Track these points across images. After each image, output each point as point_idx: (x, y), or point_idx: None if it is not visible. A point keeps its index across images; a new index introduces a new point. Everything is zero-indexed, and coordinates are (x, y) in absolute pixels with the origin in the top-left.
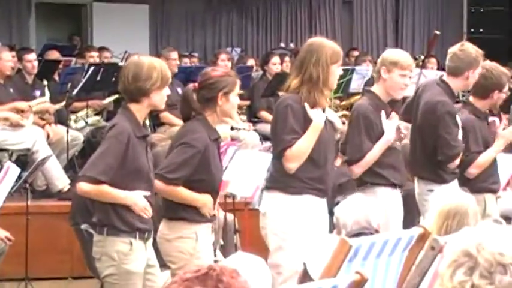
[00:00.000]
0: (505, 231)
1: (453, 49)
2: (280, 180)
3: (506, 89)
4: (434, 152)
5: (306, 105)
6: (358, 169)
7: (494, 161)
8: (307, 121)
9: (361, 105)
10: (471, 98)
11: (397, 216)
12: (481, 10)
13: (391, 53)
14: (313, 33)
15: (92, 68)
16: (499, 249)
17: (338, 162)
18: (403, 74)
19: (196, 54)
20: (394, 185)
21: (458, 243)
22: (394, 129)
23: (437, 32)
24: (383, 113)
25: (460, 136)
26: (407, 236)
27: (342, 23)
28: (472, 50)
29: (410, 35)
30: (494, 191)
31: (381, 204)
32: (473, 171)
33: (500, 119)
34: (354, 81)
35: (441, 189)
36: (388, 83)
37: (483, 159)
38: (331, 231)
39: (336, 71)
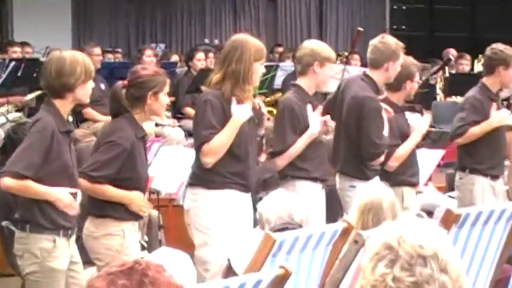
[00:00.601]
0: (425, 224)
1: (374, 41)
2: (201, 176)
3: (417, 78)
4: (358, 148)
5: (234, 100)
6: (281, 161)
7: (413, 154)
8: (227, 116)
9: (287, 99)
10: (385, 93)
11: (319, 210)
12: (403, 7)
13: (321, 47)
14: (237, 30)
15: (13, 63)
16: (419, 242)
17: (263, 158)
18: (331, 67)
19: (119, 50)
20: (315, 179)
21: (379, 237)
22: (319, 122)
23: (360, 29)
24: (309, 106)
25: (385, 132)
26: (331, 231)
27: (266, 20)
28: (392, 42)
29: (334, 32)
30: (412, 184)
31: (303, 198)
32: (392, 164)
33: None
34: (278, 78)
35: (363, 185)
36: (319, 76)
37: (401, 152)
38: (254, 226)
39: (259, 69)
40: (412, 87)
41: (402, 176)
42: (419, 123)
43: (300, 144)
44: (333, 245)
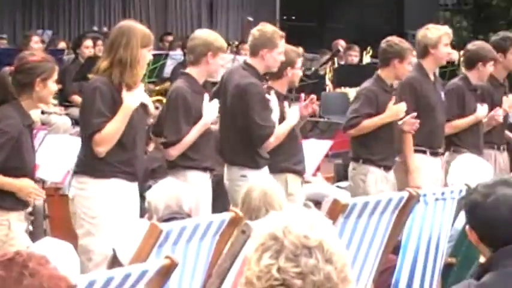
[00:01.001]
0: (311, 214)
1: (253, 30)
2: (87, 164)
3: (298, 64)
4: (246, 134)
5: (124, 86)
6: (174, 152)
7: (297, 143)
8: (117, 104)
9: (179, 88)
10: (270, 82)
11: (207, 200)
12: None
13: (214, 37)
14: (126, 17)
15: None
16: (304, 232)
17: (151, 147)
18: (223, 57)
19: (4, 36)
20: (205, 169)
21: (265, 227)
22: (213, 111)
23: (250, 19)
24: (206, 96)
25: (275, 117)
26: (219, 220)
27: (156, 8)
28: (269, 29)
29: (225, 21)
30: (296, 172)
31: (192, 188)
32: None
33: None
34: (167, 67)
35: (255, 175)
36: (212, 66)
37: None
38: (142, 215)
39: (147, 55)
40: (294, 74)
41: (286, 163)
42: (292, 111)
43: (193, 135)
44: (220, 235)
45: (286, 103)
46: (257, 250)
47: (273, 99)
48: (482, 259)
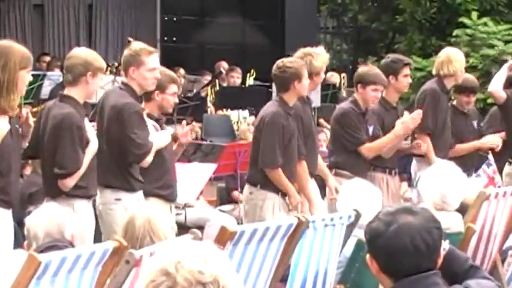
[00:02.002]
0: (205, 247)
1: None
2: None
3: (172, 89)
4: (122, 157)
5: None
6: (72, 182)
7: (166, 167)
8: None
9: (71, 114)
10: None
11: (91, 229)
12: (174, 18)
13: (93, 57)
14: (2, 37)
15: None
16: (198, 267)
17: (28, 170)
18: (102, 77)
19: None
20: (90, 197)
21: (156, 262)
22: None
23: (130, 39)
24: (86, 120)
25: (151, 136)
26: (101, 250)
27: (32, 27)
28: (137, 47)
29: (104, 41)
30: (161, 196)
31: (76, 216)
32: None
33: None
34: (45, 87)
35: (130, 198)
36: (91, 87)
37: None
38: (20, 243)
39: (26, 77)
40: (164, 99)
41: (148, 186)
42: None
43: (86, 162)
44: (103, 265)
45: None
46: (147, 287)
47: (147, 121)
48: None
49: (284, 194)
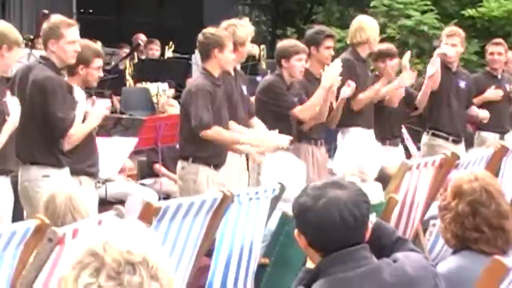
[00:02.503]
0: (133, 226)
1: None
2: None
3: (95, 64)
4: (48, 132)
5: None
6: None
7: (93, 144)
8: None
9: None
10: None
11: (9, 206)
12: None
13: (9, 29)
14: None
15: None
16: (127, 247)
17: None
18: (18, 51)
19: None
20: (7, 172)
21: (83, 242)
22: (17, 109)
23: (46, 12)
24: (9, 94)
25: (80, 111)
26: (23, 229)
27: None
28: (56, 20)
29: (18, 15)
30: (90, 174)
31: None
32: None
33: (111, 99)
34: None
35: (58, 174)
36: (7, 60)
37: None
38: None
39: None
40: (89, 73)
41: (80, 165)
42: (95, 111)
43: (4, 137)
44: (25, 244)
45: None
46: (75, 268)
47: (77, 93)
48: (309, 264)
49: (216, 166)
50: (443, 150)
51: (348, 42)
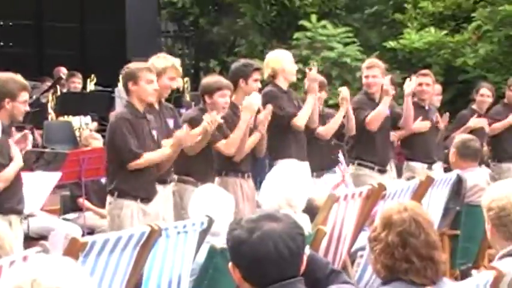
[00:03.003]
0: (61, 262)
1: None
2: None
3: (22, 98)
4: None
5: None
6: None
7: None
8: None
9: None
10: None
11: None
12: (10, 23)
13: None
14: None
15: None
16: (56, 284)
17: None
18: None
19: None
20: None
21: (10, 280)
22: None
23: None
24: None
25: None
26: None
27: None
28: None
29: None
30: (18, 212)
31: None
32: None
33: (33, 133)
34: None
35: None
36: None
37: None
38: None
39: None
40: (15, 107)
41: (10, 204)
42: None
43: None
44: None
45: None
46: None
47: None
48: None
49: (144, 199)
50: (370, 180)
51: (265, 77)
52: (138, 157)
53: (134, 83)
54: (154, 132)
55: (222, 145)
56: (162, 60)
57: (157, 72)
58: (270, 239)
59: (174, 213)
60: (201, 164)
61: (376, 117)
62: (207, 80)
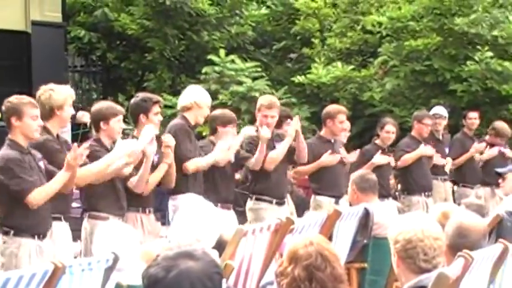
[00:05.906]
0: None
1: None
2: None
3: None
4: None
5: None
6: None
7: None
8: None
9: None
10: None
11: None
12: None
13: None
14: None
15: None
16: None
17: None
18: None
19: None
20: None
21: None
22: None
23: None
24: None
25: None
26: None
27: None
28: None
29: None
30: None
31: None
32: None
33: None
34: None
35: None
36: None
37: None
38: None
39: None
40: None
41: None
42: None
43: None
44: None
45: None
46: None
47: None
48: None
49: (41, 235)
50: (269, 213)
51: (178, 108)
52: (30, 191)
53: (18, 119)
54: (41, 163)
55: (129, 182)
56: (60, 91)
57: (58, 106)
58: (187, 278)
59: (85, 249)
60: (109, 199)
61: (274, 159)
62: (99, 105)
